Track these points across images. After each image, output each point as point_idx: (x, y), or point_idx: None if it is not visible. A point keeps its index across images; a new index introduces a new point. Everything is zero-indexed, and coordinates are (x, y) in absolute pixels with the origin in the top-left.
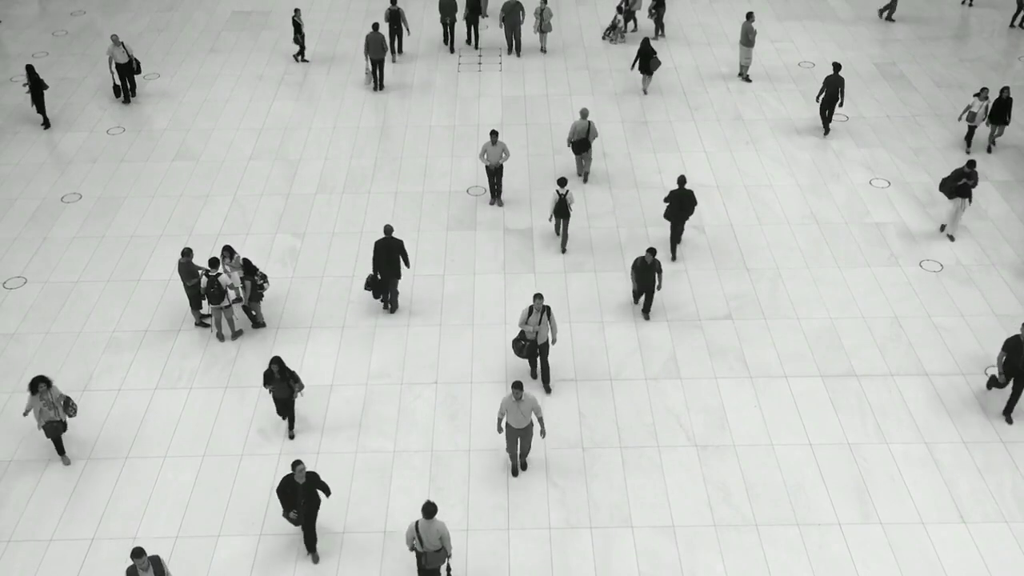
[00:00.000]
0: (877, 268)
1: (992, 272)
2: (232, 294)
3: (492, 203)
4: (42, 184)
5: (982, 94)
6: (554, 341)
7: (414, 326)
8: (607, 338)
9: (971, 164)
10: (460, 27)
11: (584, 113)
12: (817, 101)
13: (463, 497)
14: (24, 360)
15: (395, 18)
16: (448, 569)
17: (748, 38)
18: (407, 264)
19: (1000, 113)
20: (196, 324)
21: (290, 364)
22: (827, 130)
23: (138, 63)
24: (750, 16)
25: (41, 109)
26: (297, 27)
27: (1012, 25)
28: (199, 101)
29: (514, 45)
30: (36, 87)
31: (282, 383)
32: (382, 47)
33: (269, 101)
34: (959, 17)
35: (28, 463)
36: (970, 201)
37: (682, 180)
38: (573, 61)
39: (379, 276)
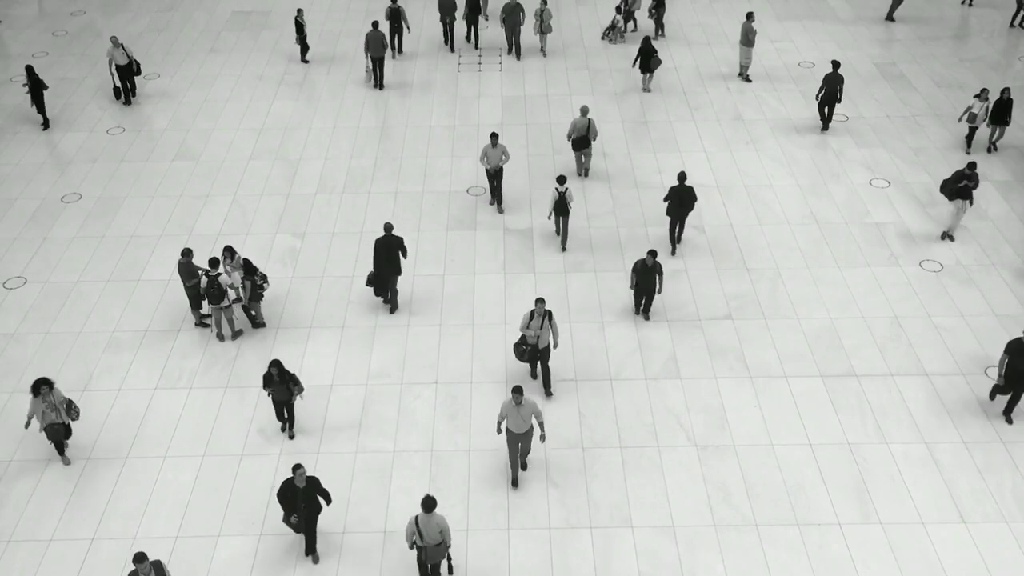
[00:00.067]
0: (877, 268)
1: (992, 272)
2: (232, 294)
3: (492, 203)
4: (42, 184)
5: (982, 95)
6: (555, 346)
7: (414, 326)
8: (607, 338)
9: (972, 166)
10: (460, 26)
11: (584, 111)
12: (816, 100)
13: (463, 497)
14: (24, 360)
15: (395, 16)
16: (449, 559)
17: (748, 38)
18: (404, 255)
19: (1000, 114)
20: (196, 324)
21: (290, 364)
22: (825, 126)
23: (138, 64)
24: (750, 16)
25: (41, 109)
26: (299, 27)
27: (1012, 25)
28: (199, 101)
29: (514, 47)
30: (36, 87)
31: (281, 386)
32: (382, 45)
33: (269, 101)
34: (959, 17)
35: (28, 463)
36: (971, 203)
37: (682, 176)
38: (573, 61)
39: (379, 274)
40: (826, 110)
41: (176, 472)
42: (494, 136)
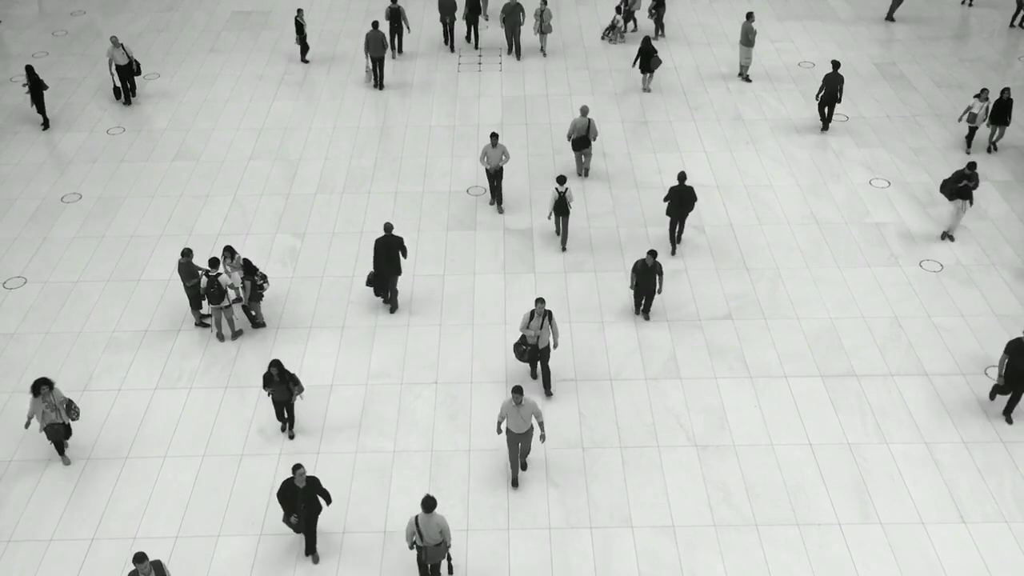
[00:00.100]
0: (877, 268)
1: (992, 272)
2: (232, 294)
3: (492, 203)
4: (42, 184)
5: (982, 95)
6: (555, 346)
7: (414, 326)
8: (607, 338)
9: (972, 166)
10: (460, 26)
11: (584, 110)
12: (816, 99)
13: (463, 497)
14: (24, 360)
15: (395, 16)
16: (449, 559)
17: (748, 38)
18: (404, 255)
19: (1000, 114)
20: (196, 324)
21: (290, 364)
22: (825, 126)
23: (138, 64)
24: (750, 16)
25: (41, 109)
26: (300, 27)
27: (1012, 25)
28: (199, 101)
29: (514, 47)
30: (36, 87)
31: (281, 386)
32: (382, 45)
33: (269, 101)
34: (959, 17)
35: (28, 463)
36: (971, 203)
37: (682, 176)
38: (573, 61)
39: (379, 274)
40: (826, 110)
41: (176, 472)
42: (494, 136)
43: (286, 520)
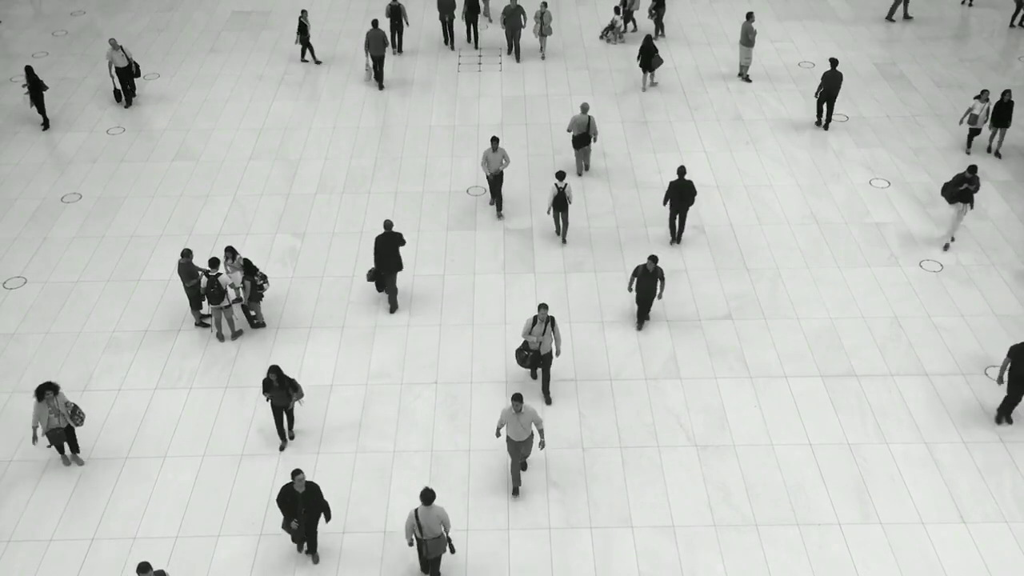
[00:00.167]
0: (877, 268)
1: (992, 272)
2: (232, 294)
3: (491, 203)
4: (42, 184)
5: (983, 96)
6: (558, 353)
7: (414, 326)
8: (607, 338)
9: (972, 169)
10: (460, 25)
11: (584, 108)
12: (816, 97)
13: (463, 497)
14: (24, 360)
15: (396, 14)
16: (449, 541)
17: (748, 38)
18: (403, 243)
19: (1001, 116)
20: (196, 324)
21: (290, 364)
22: (818, 121)
23: (137, 66)
24: (750, 16)
25: (41, 109)
26: (303, 28)
27: (1012, 25)
28: (199, 101)
29: (514, 49)
30: (35, 88)
31: (280, 391)
32: (383, 43)
33: (269, 101)
34: (959, 17)
35: (28, 463)
36: (971, 206)
37: (681, 171)
38: (573, 61)
39: (380, 272)
40: (824, 107)
41: (176, 472)
42: (495, 140)
43: (286, 526)
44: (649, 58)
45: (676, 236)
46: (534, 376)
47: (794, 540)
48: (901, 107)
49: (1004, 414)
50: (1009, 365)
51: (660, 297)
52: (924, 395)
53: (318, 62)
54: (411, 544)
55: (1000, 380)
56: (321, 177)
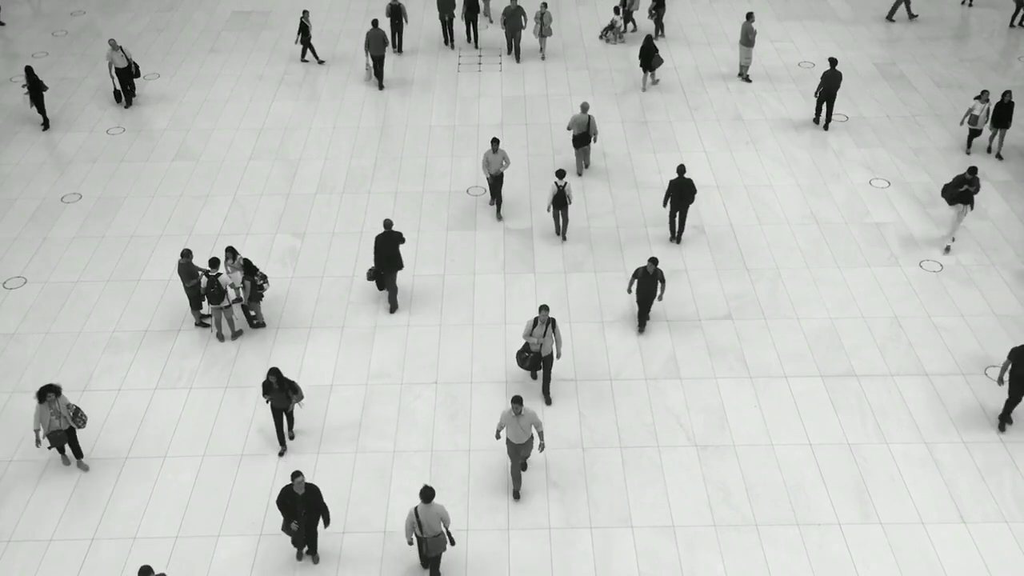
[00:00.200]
0: (877, 268)
1: (992, 272)
2: (232, 294)
3: (491, 203)
4: (42, 184)
5: (983, 96)
6: (559, 355)
7: (414, 326)
8: (607, 338)
9: (972, 170)
10: (459, 25)
11: (584, 107)
12: (815, 97)
13: (463, 497)
14: (24, 360)
15: (396, 13)
16: (449, 535)
17: (748, 38)
18: (402, 241)
19: (1002, 117)
20: (196, 324)
21: (290, 365)
22: (816, 120)
23: (137, 67)
24: (750, 16)
25: (41, 110)
26: (304, 29)
27: (1012, 25)
28: (199, 101)
29: (514, 50)
30: (35, 88)
31: (280, 393)
32: (383, 43)
33: (269, 101)
34: (959, 17)
35: (28, 463)
36: (972, 207)
37: (681, 169)
38: (573, 61)
39: (381, 271)
40: (824, 107)
41: (176, 472)
42: (495, 141)
43: (285, 528)
44: (649, 58)
45: (676, 235)
46: (534, 376)
47: (794, 540)
48: (901, 107)
49: (1004, 419)
50: (1010, 367)
51: (660, 299)
52: (924, 395)
53: (321, 62)
54: (411, 543)
55: (1000, 381)
56: (321, 177)
